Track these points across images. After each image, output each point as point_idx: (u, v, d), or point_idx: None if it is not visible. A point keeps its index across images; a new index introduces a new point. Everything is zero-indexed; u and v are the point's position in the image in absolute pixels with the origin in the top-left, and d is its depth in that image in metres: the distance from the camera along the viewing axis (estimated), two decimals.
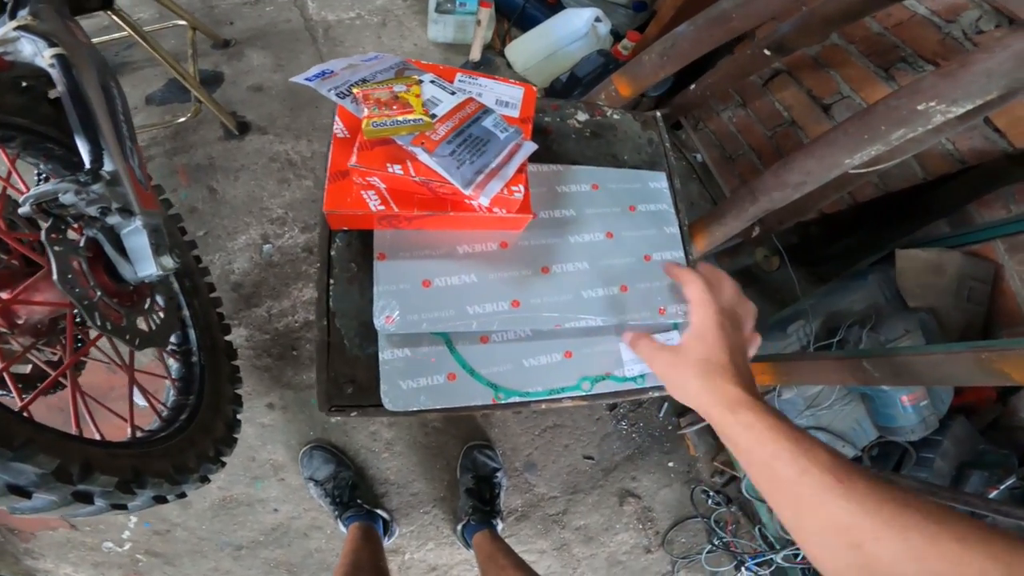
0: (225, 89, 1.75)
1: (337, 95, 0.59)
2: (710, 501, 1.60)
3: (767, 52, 1.24)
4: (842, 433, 1.33)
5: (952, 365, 0.74)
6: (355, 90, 0.59)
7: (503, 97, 0.68)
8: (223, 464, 0.84)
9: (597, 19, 1.88)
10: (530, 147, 0.63)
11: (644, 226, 0.74)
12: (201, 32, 1.72)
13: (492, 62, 2.05)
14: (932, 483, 1.21)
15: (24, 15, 0.80)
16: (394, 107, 0.58)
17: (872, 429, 1.32)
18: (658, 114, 0.86)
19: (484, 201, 0.58)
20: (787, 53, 1.25)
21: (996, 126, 1.20)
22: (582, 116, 0.83)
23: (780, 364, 1.10)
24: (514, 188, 0.59)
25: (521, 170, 0.61)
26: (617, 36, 1.95)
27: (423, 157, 0.56)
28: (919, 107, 0.69)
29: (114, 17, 1.27)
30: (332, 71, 0.63)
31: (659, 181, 0.78)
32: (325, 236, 0.65)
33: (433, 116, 0.59)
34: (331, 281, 0.63)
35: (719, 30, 1.01)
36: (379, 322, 0.58)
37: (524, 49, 2.01)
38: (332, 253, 0.64)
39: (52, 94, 0.79)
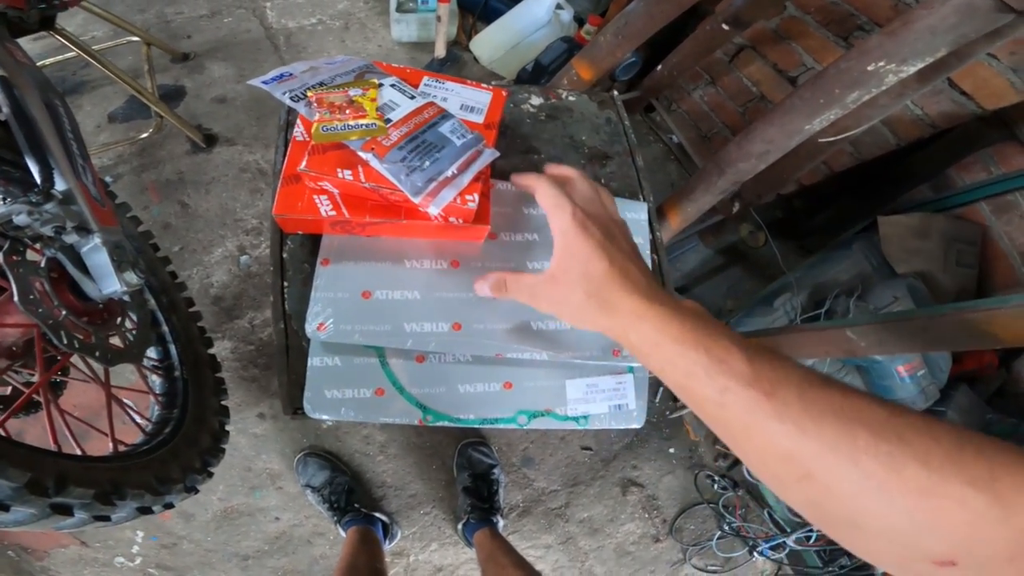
0: (188, 103, 1.73)
1: (291, 98, 0.58)
2: (716, 486, 1.57)
3: (725, 26, 1.25)
4: None
5: (938, 329, 0.72)
6: (310, 94, 0.58)
7: (469, 102, 0.66)
8: (210, 474, 0.84)
9: (558, 6, 1.89)
10: (491, 154, 0.61)
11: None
12: (157, 47, 1.71)
13: (459, 58, 2.05)
14: None
15: None
16: (347, 111, 0.57)
17: None
18: (615, 93, 0.85)
19: (434, 210, 0.56)
20: (745, 26, 1.26)
21: (962, 89, 1.21)
22: (536, 100, 0.82)
23: (767, 339, 1.10)
24: (468, 197, 0.57)
25: (478, 178, 0.59)
26: (580, 22, 1.96)
27: (374, 163, 0.54)
28: (869, 68, 0.69)
29: (59, 38, 1.25)
30: (291, 74, 0.62)
31: (638, 212, 0.74)
32: (276, 239, 0.64)
33: (388, 121, 0.57)
34: (285, 283, 0.62)
35: (669, 5, 1.02)
36: (311, 328, 0.57)
37: (489, 42, 2.01)
38: (284, 255, 0.63)
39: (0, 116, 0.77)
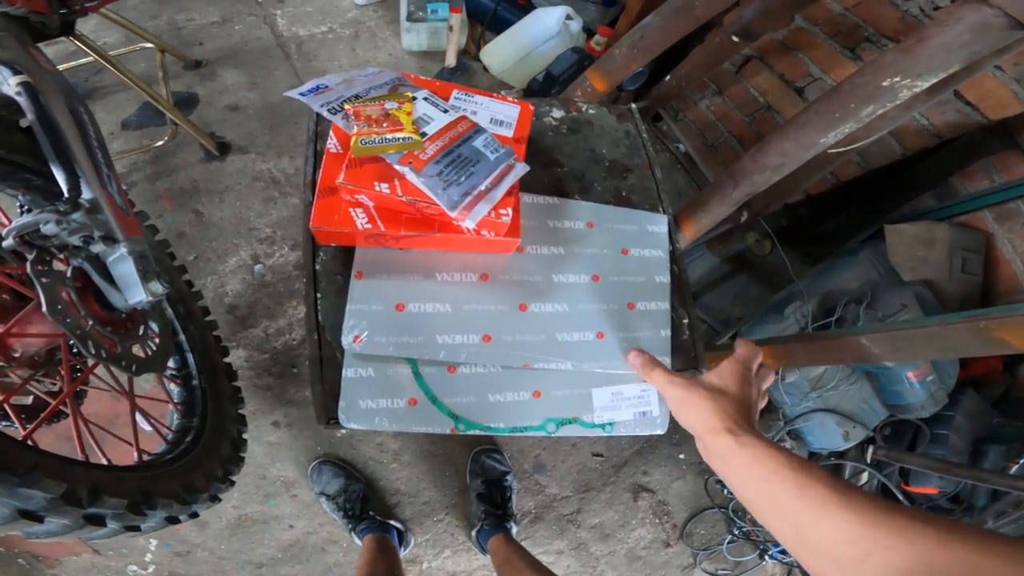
0: (201, 110, 1.74)
1: (329, 111, 0.59)
2: (725, 491, 1.58)
3: (735, 38, 1.27)
4: (851, 413, 1.32)
5: (950, 336, 0.74)
6: (347, 106, 0.59)
7: (498, 116, 0.68)
8: (232, 483, 0.85)
9: (568, 17, 1.89)
10: (521, 169, 0.62)
11: (634, 272, 0.71)
12: (170, 54, 1.72)
13: (468, 67, 2.07)
14: (950, 461, 1.20)
15: None
16: (384, 124, 0.58)
17: (881, 408, 1.31)
18: (633, 106, 0.86)
19: (470, 224, 0.57)
20: (754, 38, 1.28)
21: (968, 99, 1.23)
22: (557, 113, 0.83)
23: (779, 347, 1.11)
24: (502, 211, 0.59)
25: (510, 192, 0.60)
26: (589, 32, 1.97)
27: (411, 177, 0.56)
28: (884, 83, 0.70)
29: (77, 43, 1.27)
30: (326, 86, 0.63)
31: (659, 225, 0.76)
32: (309, 251, 0.65)
33: (423, 135, 0.59)
34: (318, 295, 0.63)
35: (684, 19, 1.03)
36: (347, 341, 0.59)
37: (499, 52, 2.02)
38: (317, 267, 0.64)
39: (23, 123, 0.77)
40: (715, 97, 1.84)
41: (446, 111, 0.63)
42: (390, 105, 0.59)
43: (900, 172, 1.51)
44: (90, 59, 1.36)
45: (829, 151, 1.04)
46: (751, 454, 0.47)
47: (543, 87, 1.82)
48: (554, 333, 0.65)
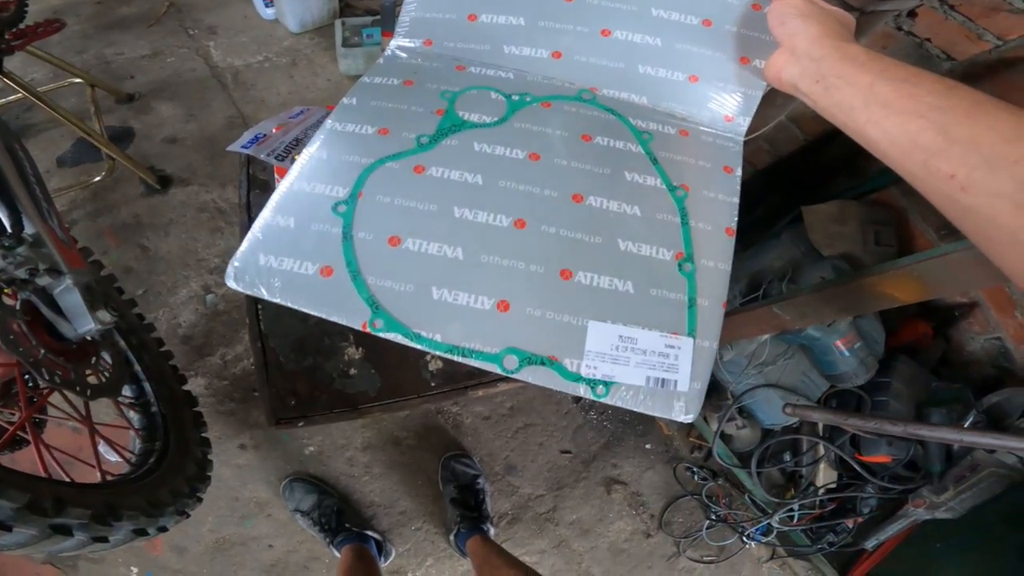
0: (138, 144, 1.73)
1: (276, 158, 0.62)
2: (696, 477, 1.58)
3: None
4: (793, 387, 1.34)
5: (844, 296, 0.78)
6: (296, 156, 0.61)
7: None
8: (199, 499, 0.86)
9: None
10: None
11: (755, 28, 0.57)
12: (101, 88, 1.70)
13: None
14: (893, 419, 1.18)
15: None
16: None
17: (821, 380, 1.34)
18: None
19: None
20: None
21: None
22: None
23: None
24: None
25: None
26: None
27: None
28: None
29: (6, 80, 1.27)
30: (264, 135, 0.66)
31: None
32: None
33: None
34: (259, 307, 0.65)
35: None
36: (414, 41, 0.59)
37: None
38: None
39: None
40: None
41: None
42: None
43: (812, 156, 1.63)
44: (19, 95, 1.35)
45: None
46: (886, 59, 0.41)
47: None
48: (635, 63, 0.58)
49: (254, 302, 0.65)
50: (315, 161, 0.50)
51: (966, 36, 1.13)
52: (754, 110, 0.57)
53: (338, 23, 2.07)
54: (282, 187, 0.48)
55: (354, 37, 2.04)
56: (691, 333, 0.45)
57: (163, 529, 0.75)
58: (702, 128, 0.57)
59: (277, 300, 0.44)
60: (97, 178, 1.54)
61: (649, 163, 0.53)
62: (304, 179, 0.49)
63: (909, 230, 1.52)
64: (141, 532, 0.70)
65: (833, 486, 1.33)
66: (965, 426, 1.11)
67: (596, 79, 0.58)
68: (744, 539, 1.48)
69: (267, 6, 2.20)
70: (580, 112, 0.57)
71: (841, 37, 0.45)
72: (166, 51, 2.00)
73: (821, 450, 1.35)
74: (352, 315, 0.44)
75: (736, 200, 0.53)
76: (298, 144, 0.64)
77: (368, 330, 0.43)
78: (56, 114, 1.37)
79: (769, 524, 1.39)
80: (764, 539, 1.46)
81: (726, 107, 0.57)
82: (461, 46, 0.59)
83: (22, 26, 1.35)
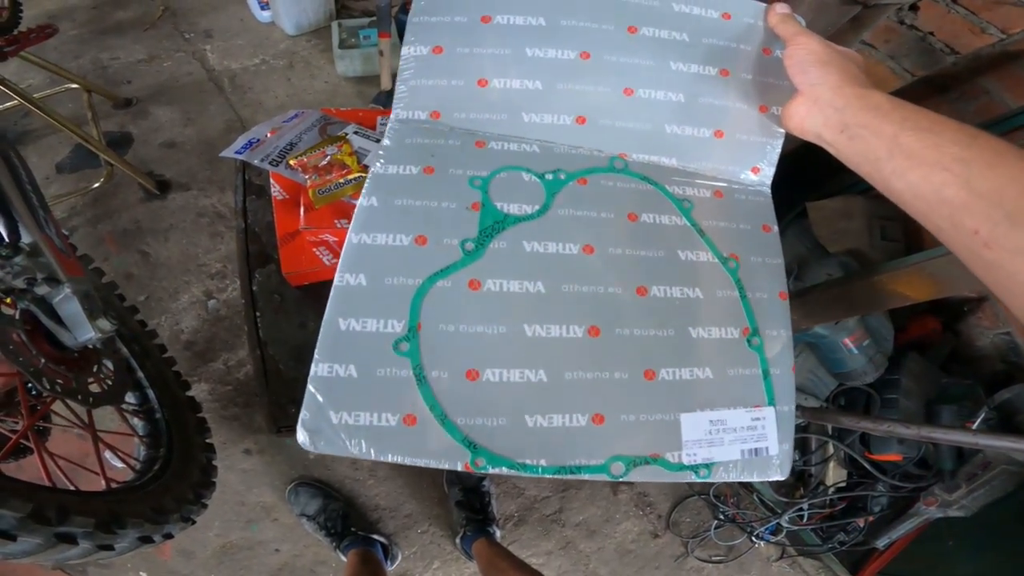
0: (136, 149, 1.72)
1: (270, 163, 0.61)
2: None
3: None
4: (801, 386, 1.32)
5: (853, 295, 0.75)
6: (291, 161, 0.61)
7: None
8: (204, 505, 0.86)
9: None
10: None
11: (771, 73, 0.56)
12: (98, 93, 1.70)
13: None
14: (906, 422, 1.22)
15: None
16: (332, 171, 0.60)
17: (830, 378, 1.31)
18: None
19: None
20: None
21: None
22: None
23: None
24: None
25: None
26: None
27: None
28: None
29: (1, 87, 1.27)
30: (258, 140, 0.64)
31: None
32: (245, 273, 0.67)
33: (365, 167, 0.61)
34: (258, 314, 0.65)
35: None
36: (422, 113, 0.52)
37: None
38: (254, 287, 0.66)
39: None
40: None
41: (378, 140, 0.65)
42: (331, 151, 0.61)
43: (816, 152, 1.61)
44: (15, 102, 1.34)
45: None
46: (909, 107, 0.40)
47: None
48: (663, 124, 0.56)
49: (252, 309, 0.65)
50: (356, 290, 0.44)
51: (969, 29, 1.12)
52: (776, 159, 0.57)
53: (334, 25, 2.06)
54: (326, 328, 0.43)
55: (351, 39, 2.03)
56: (771, 402, 0.47)
57: (169, 536, 0.75)
58: (735, 186, 0.57)
59: (372, 457, 0.41)
60: (96, 184, 1.54)
61: (697, 236, 0.53)
62: (350, 315, 0.43)
63: (916, 224, 1.50)
64: (147, 539, 0.70)
65: (843, 485, 1.32)
66: (976, 423, 1.09)
67: (625, 144, 0.56)
68: (753, 539, 1.47)
69: (263, 9, 2.19)
70: (618, 186, 0.54)
71: (861, 83, 0.45)
72: (162, 55, 1.99)
73: (830, 449, 1.34)
74: (452, 459, 0.42)
75: (781, 260, 0.55)
76: (292, 148, 0.63)
77: (472, 470, 0.42)
78: (53, 120, 1.37)
79: (778, 523, 1.37)
80: (773, 538, 1.44)
81: (752, 159, 0.57)
82: (475, 116, 0.53)
83: (15, 32, 1.35)
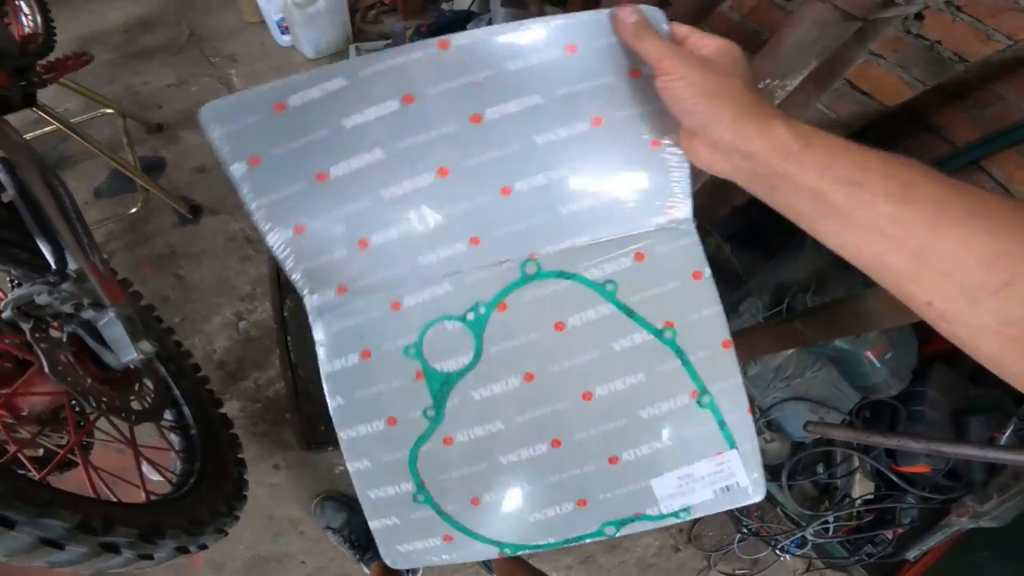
0: (169, 173, 1.78)
1: None
2: None
3: None
4: (822, 399, 1.31)
5: (866, 310, 0.75)
6: None
7: None
8: (236, 517, 0.89)
9: None
10: None
11: (649, 99, 0.47)
12: (132, 119, 1.74)
13: None
14: (933, 436, 1.12)
15: None
16: None
17: (852, 391, 1.30)
18: None
19: None
20: None
21: (863, 89, 1.31)
22: None
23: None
24: None
25: None
26: None
27: None
28: (760, 86, 0.77)
29: (40, 113, 1.30)
30: None
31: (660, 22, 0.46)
32: (276, 300, 0.70)
33: None
34: (288, 338, 0.68)
35: None
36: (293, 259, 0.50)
37: None
38: (285, 314, 0.69)
39: (3, 198, 0.83)
40: None
41: None
42: None
43: None
44: (53, 127, 1.37)
45: None
46: (822, 144, 0.34)
47: None
48: (556, 208, 0.51)
49: (283, 333, 0.68)
50: (367, 471, 0.53)
51: (976, 37, 1.11)
52: (689, 187, 0.50)
53: (352, 48, 2.13)
54: (363, 501, 0.53)
55: None
56: (732, 447, 0.51)
57: (203, 547, 0.78)
58: (655, 240, 0.52)
59: (443, 562, 0.53)
60: (133, 210, 1.60)
61: (627, 319, 0.52)
62: (373, 487, 0.53)
63: None
64: (183, 550, 0.73)
65: (870, 497, 1.29)
66: (1005, 434, 1.08)
67: (528, 243, 0.52)
68: (778, 552, 1.44)
69: (283, 33, 2.26)
70: (538, 296, 0.52)
71: (756, 107, 0.37)
72: (190, 79, 2.07)
73: (856, 461, 1.32)
74: (488, 554, 0.53)
75: (718, 307, 0.52)
76: None
77: (503, 557, 0.53)
78: (91, 146, 1.40)
79: (803, 536, 1.36)
80: (799, 551, 1.42)
81: (660, 201, 0.51)
82: (376, 279, 0.51)
83: (52, 58, 1.37)
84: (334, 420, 0.52)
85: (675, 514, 0.52)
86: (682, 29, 0.43)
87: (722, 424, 0.51)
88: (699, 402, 0.51)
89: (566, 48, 0.47)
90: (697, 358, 0.51)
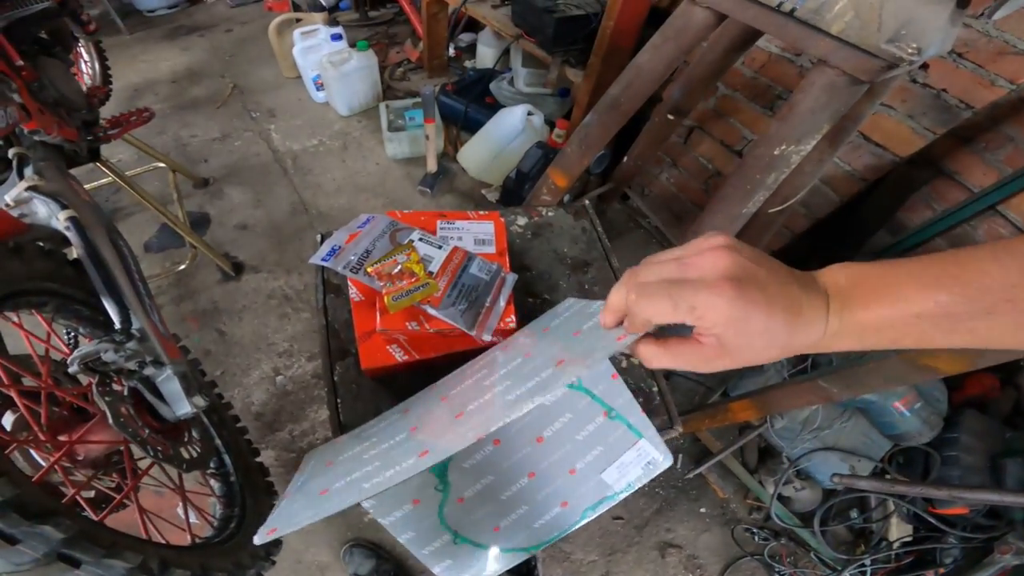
0: (214, 230, 1.86)
1: (351, 271, 0.71)
2: (756, 538, 1.52)
3: (670, 117, 1.42)
4: (853, 449, 1.31)
5: (888, 369, 0.78)
6: (369, 269, 0.71)
7: (479, 235, 0.81)
8: (273, 562, 0.94)
9: (530, 112, 2.06)
10: (512, 279, 0.76)
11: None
12: (181, 173, 1.81)
13: (449, 170, 2.24)
14: (970, 483, 1.16)
15: (31, 174, 0.89)
16: (403, 279, 0.71)
17: (883, 440, 1.30)
18: (587, 202, 0.96)
19: (487, 337, 0.71)
20: (686, 114, 1.43)
21: (876, 141, 1.38)
22: (522, 220, 0.94)
23: (757, 398, 1.16)
24: (507, 319, 0.73)
25: (510, 301, 0.74)
26: (551, 125, 2.11)
27: (433, 312, 0.70)
28: (776, 152, 0.81)
29: (101, 167, 1.35)
30: (339, 247, 0.75)
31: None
32: (327, 365, 0.77)
33: (431, 273, 0.72)
34: (338, 400, 0.75)
35: (616, 114, 1.16)
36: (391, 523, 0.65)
37: (473, 154, 2.18)
38: (335, 378, 0.77)
39: (71, 255, 0.89)
40: (672, 169, 1.99)
41: (440, 246, 0.76)
42: (401, 259, 0.72)
43: (850, 215, 1.60)
44: (108, 179, 1.41)
45: (769, 211, 1.14)
46: (854, 324, 0.35)
47: (517, 184, 1.93)
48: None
49: (334, 396, 0.75)
50: (414, 539, 0.65)
51: (979, 83, 1.16)
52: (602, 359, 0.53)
53: (382, 106, 2.25)
54: (420, 557, 0.65)
55: (397, 120, 2.21)
56: (639, 436, 0.71)
57: None
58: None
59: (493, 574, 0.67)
60: (182, 266, 1.69)
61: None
62: (426, 545, 0.66)
63: None
64: None
65: (909, 539, 1.28)
66: None
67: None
68: None
69: (318, 90, 2.44)
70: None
71: (774, 334, 0.36)
72: (233, 134, 2.17)
73: (891, 506, 1.29)
74: (520, 558, 0.67)
75: (606, 363, 0.71)
76: (367, 255, 0.73)
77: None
78: (144, 200, 1.45)
79: None
80: None
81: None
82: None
83: (116, 114, 1.43)
84: (373, 514, 0.66)
85: (624, 490, 0.71)
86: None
87: (630, 426, 0.71)
88: (610, 416, 0.71)
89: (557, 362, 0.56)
90: (599, 391, 0.71)
